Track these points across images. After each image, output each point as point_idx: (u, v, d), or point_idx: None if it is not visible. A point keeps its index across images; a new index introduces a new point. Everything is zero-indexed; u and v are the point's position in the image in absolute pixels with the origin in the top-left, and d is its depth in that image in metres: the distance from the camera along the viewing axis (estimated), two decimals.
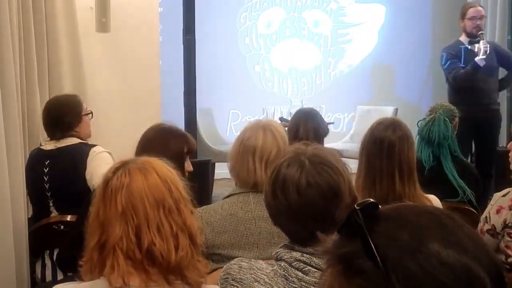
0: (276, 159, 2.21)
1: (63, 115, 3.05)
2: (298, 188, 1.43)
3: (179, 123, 5.50)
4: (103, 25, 4.34)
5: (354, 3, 7.75)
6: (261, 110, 6.55)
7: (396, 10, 7.71)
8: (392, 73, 7.38)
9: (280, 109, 6.22)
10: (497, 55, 5.08)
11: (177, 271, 1.41)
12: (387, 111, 6.47)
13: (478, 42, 4.97)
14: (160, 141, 2.40)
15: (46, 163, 2.95)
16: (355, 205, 0.73)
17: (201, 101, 5.70)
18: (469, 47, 5.03)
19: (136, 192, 1.42)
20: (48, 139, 3.09)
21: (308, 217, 1.42)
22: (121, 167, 1.47)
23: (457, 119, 3.25)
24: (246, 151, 2.24)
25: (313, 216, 1.42)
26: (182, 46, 5.08)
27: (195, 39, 5.07)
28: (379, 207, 0.75)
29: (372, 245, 0.70)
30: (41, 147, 3.09)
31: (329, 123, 6.02)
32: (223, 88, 7.21)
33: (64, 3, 3.93)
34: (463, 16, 5.12)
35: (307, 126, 3.05)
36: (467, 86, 4.90)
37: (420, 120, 3.15)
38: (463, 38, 5.16)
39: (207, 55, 6.78)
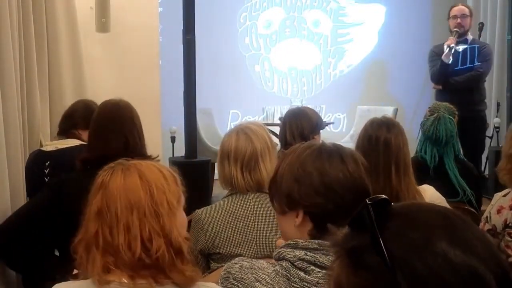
0: (252, 158, 2.25)
1: (77, 112, 3.11)
2: (355, 158, 1.46)
3: (179, 123, 5.51)
4: (103, 25, 4.34)
5: (354, 3, 7.75)
6: (261, 110, 6.55)
7: (396, 10, 7.71)
8: (392, 73, 7.38)
9: (280, 109, 6.21)
10: (478, 58, 5.12)
11: (158, 271, 1.41)
12: (387, 111, 6.46)
13: (461, 41, 5.04)
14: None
15: (47, 164, 2.94)
16: (367, 200, 0.74)
17: (201, 101, 5.70)
18: (455, 46, 5.10)
19: (111, 192, 1.44)
20: (48, 142, 3.09)
21: (359, 190, 1.42)
22: (109, 168, 1.50)
23: (457, 117, 3.24)
24: (222, 156, 2.32)
25: (362, 190, 1.43)
26: (182, 46, 5.07)
27: (195, 39, 5.06)
28: (391, 203, 0.76)
29: (381, 241, 0.70)
30: (42, 148, 3.08)
31: (329, 123, 6.02)
32: (223, 88, 7.21)
33: (64, 3, 3.92)
34: (448, 15, 5.21)
35: (292, 128, 3.06)
36: (448, 87, 4.97)
37: (423, 120, 3.13)
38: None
39: (207, 55, 6.78)
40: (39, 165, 2.96)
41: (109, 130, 2.47)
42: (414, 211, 0.77)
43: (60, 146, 2.99)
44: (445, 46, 5.01)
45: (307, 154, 1.47)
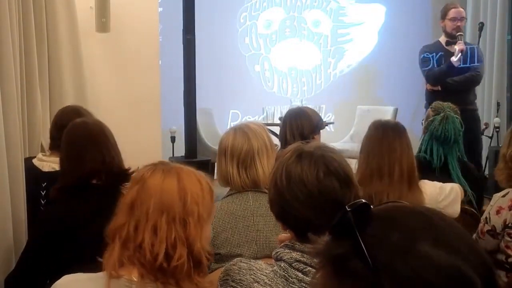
0: (248, 155, 2.26)
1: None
2: (318, 175, 1.43)
3: (179, 123, 5.51)
4: (103, 25, 4.34)
5: (354, 3, 7.76)
6: (261, 110, 6.55)
7: (396, 10, 7.71)
8: (392, 73, 7.38)
9: (280, 109, 6.22)
10: (477, 59, 5.12)
11: (171, 277, 1.40)
12: (387, 111, 6.47)
13: (455, 43, 5.03)
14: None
15: (43, 185, 2.78)
16: (346, 206, 0.73)
17: (201, 101, 5.70)
18: (446, 47, 5.11)
19: (148, 189, 1.44)
20: (45, 157, 2.93)
21: (327, 205, 1.41)
22: (152, 165, 1.51)
23: (459, 117, 3.23)
24: (220, 153, 2.35)
25: (332, 204, 1.41)
26: (182, 46, 5.08)
27: (195, 39, 5.07)
28: (370, 208, 0.75)
29: (363, 246, 0.70)
30: (36, 164, 2.89)
31: (329, 123, 6.02)
32: (223, 88, 7.21)
33: (64, 3, 3.93)
34: (444, 16, 5.17)
35: (292, 128, 3.07)
36: (445, 87, 4.95)
37: (429, 120, 3.10)
38: (442, 39, 5.21)
39: (207, 55, 6.78)
40: (35, 185, 2.80)
41: (83, 152, 2.29)
42: (395, 214, 0.76)
43: (56, 167, 2.76)
44: (457, 51, 4.97)
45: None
